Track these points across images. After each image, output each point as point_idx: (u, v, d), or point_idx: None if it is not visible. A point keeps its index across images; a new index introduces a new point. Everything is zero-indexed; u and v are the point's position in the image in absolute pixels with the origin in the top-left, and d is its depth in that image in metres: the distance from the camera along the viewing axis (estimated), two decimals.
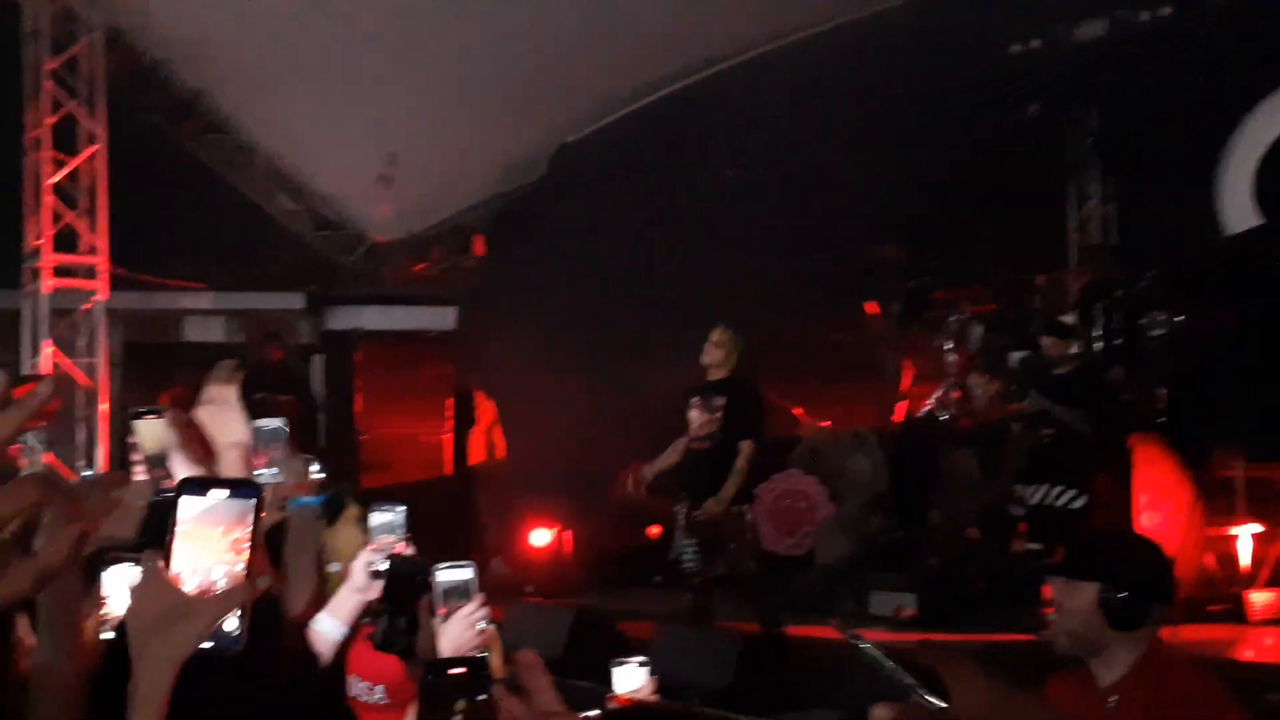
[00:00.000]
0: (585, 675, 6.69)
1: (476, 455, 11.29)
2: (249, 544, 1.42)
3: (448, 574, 3.28)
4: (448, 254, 12.90)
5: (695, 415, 7.96)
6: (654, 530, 10.92)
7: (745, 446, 7.63)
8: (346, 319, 12.29)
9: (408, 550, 3.35)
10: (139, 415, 3.21)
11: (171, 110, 11.77)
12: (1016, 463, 8.30)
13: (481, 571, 3.39)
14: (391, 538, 3.41)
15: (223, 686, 2.20)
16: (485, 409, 11.32)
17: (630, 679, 3.62)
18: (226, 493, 1.46)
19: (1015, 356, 8.99)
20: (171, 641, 1.36)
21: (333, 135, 11.88)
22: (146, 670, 1.37)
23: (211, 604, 1.38)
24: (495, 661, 3.85)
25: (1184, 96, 10.05)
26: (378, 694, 3.58)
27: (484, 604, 3.36)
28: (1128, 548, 3.66)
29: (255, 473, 3.68)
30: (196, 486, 1.46)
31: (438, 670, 2.60)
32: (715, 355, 7.95)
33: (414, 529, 3.60)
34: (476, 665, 2.63)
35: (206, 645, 1.37)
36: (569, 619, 7.93)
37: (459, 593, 3.26)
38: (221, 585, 1.40)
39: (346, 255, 12.78)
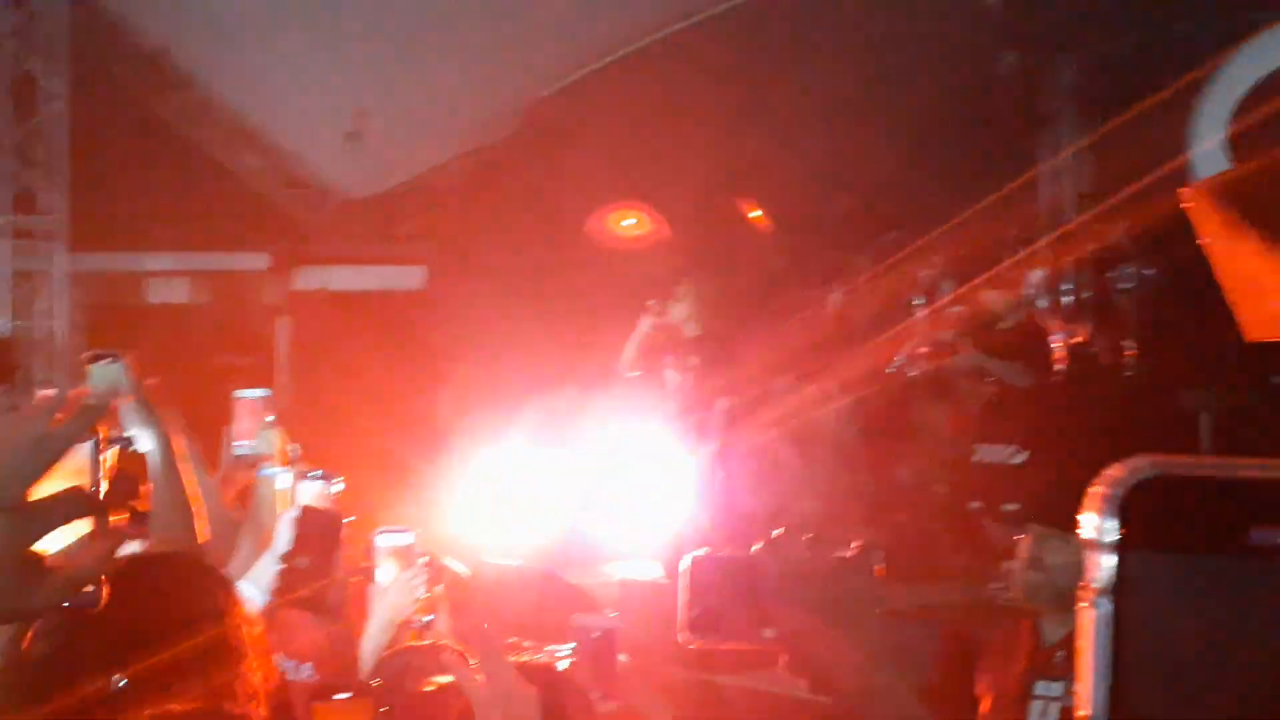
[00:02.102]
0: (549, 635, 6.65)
1: (447, 417, 11.17)
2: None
3: (388, 539, 3.20)
4: (417, 211, 12.72)
5: (671, 376, 7.92)
6: None
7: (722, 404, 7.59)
8: (312, 279, 12.11)
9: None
10: (96, 358, 3.12)
11: (133, 67, 11.54)
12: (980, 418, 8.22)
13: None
14: (320, 501, 3.33)
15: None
16: (456, 370, 11.20)
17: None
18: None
19: (952, 310, 8.92)
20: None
21: (300, 91, 11.67)
22: None
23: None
24: (442, 623, 3.76)
25: (1159, 45, 9.90)
26: (305, 671, 3.47)
27: (423, 570, 3.28)
28: None
29: (235, 443, 3.59)
30: None
31: (323, 696, 2.52)
32: (681, 311, 7.87)
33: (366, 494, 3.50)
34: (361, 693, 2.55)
35: (65, 604, 1.40)
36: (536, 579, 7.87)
37: (399, 558, 3.19)
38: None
39: (313, 214, 12.58)
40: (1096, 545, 0.74)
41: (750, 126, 10.75)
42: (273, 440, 3.65)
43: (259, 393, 3.65)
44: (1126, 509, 0.73)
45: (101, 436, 1.52)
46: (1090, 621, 0.73)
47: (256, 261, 12.07)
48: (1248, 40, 9.65)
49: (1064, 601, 3.26)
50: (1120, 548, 0.73)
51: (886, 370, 9.88)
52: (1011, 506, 8.08)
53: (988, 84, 10.41)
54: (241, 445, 3.65)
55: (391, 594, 3.25)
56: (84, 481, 1.47)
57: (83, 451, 1.48)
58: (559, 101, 12.75)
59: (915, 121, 10.17)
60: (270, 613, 3.07)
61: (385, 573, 3.26)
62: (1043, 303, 8.42)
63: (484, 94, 12.24)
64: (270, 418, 3.67)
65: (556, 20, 11.39)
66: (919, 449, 8.91)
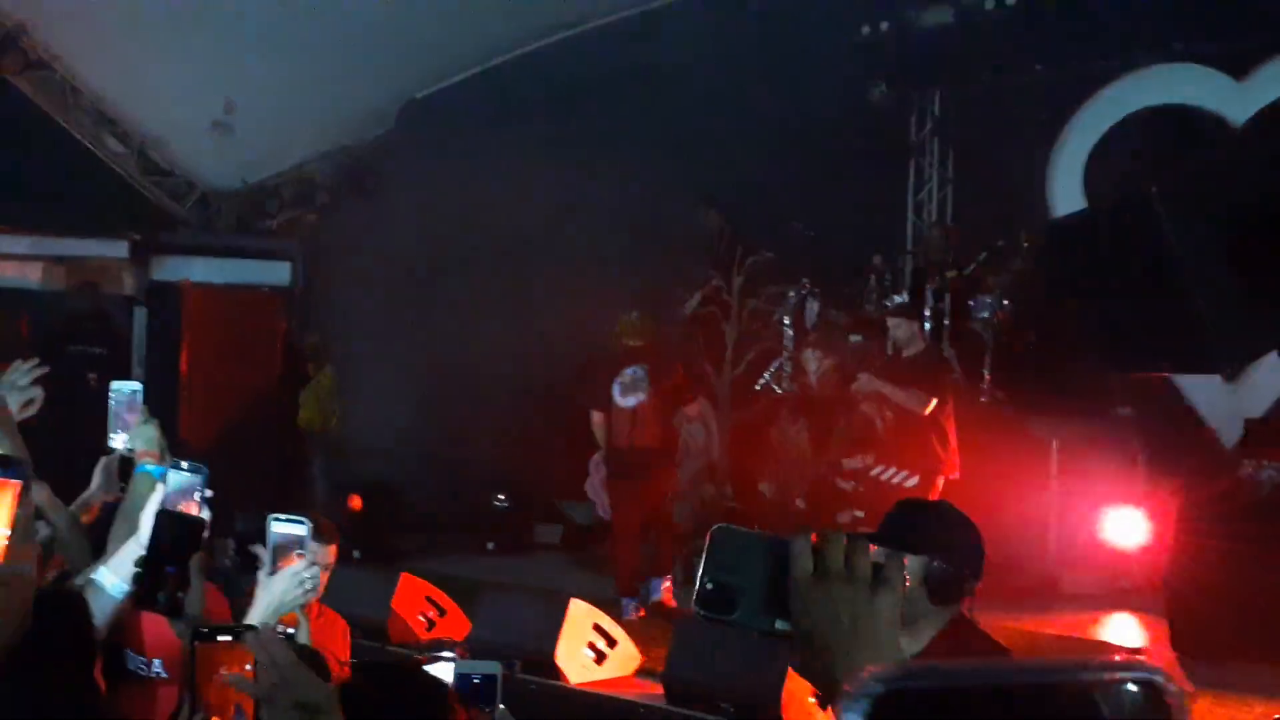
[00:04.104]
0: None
1: (308, 415, 11.01)
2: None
3: (280, 528, 3.11)
4: (286, 206, 12.49)
5: (619, 392, 8.00)
6: (495, 498, 10.84)
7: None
8: (174, 270, 11.78)
9: (199, 511, 3.19)
10: None
11: None
12: (846, 437, 8.42)
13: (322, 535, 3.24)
14: (184, 499, 3.24)
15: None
16: (325, 376, 11.02)
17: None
18: None
19: (854, 339, 9.12)
20: None
21: (166, 78, 11.37)
22: None
23: None
24: (303, 636, 3.71)
25: (1024, 84, 10.30)
26: (156, 667, 3.39)
27: (313, 563, 3.20)
28: (951, 522, 3.71)
29: (109, 438, 3.46)
30: None
31: (205, 637, 2.49)
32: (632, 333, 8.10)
33: (229, 488, 3.43)
34: (244, 632, 2.52)
35: None
36: (392, 584, 7.79)
37: (290, 547, 3.11)
38: None
39: (177, 204, 12.26)
40: None
41: (618, 137, 10.86)
42: (149, 435, 3.55)
43: (132, 385, 3.55)
44: (875, 717, 0.74)
45: None
46: None
47: (115, 249, 11.69)
48: (1107, 84, 10.11)
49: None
50: None
51: (755, 387, 10.10)
52: (844, 518, 8.31)
53: (858, 114, 10.69)
54: (117, 439, 3.55)
55: (278, 584, 3.12)
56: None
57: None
58: (431, 103, 12.70)
59: (786, 146, 10.39)
60: (127, 610, 3.01)
61: (276, 560, 3.17)
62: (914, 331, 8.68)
63: (357, 92, 12.11)
64: (144, 411, 3.58)
65: (431, 25, 11.35)
66: (781, 465, 9.10)
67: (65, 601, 2.71)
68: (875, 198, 10.85)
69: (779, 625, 1.31)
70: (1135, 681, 0.76)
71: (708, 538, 1.37)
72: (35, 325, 10.52)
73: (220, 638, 2.51)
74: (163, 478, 3.47)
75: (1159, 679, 0.76)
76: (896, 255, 10.62)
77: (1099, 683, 0.76)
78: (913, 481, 7.46)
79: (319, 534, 4.09)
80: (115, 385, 3.46)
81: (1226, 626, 6.07)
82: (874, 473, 7.79)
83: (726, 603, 1.35)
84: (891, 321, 8.17)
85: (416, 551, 9.99)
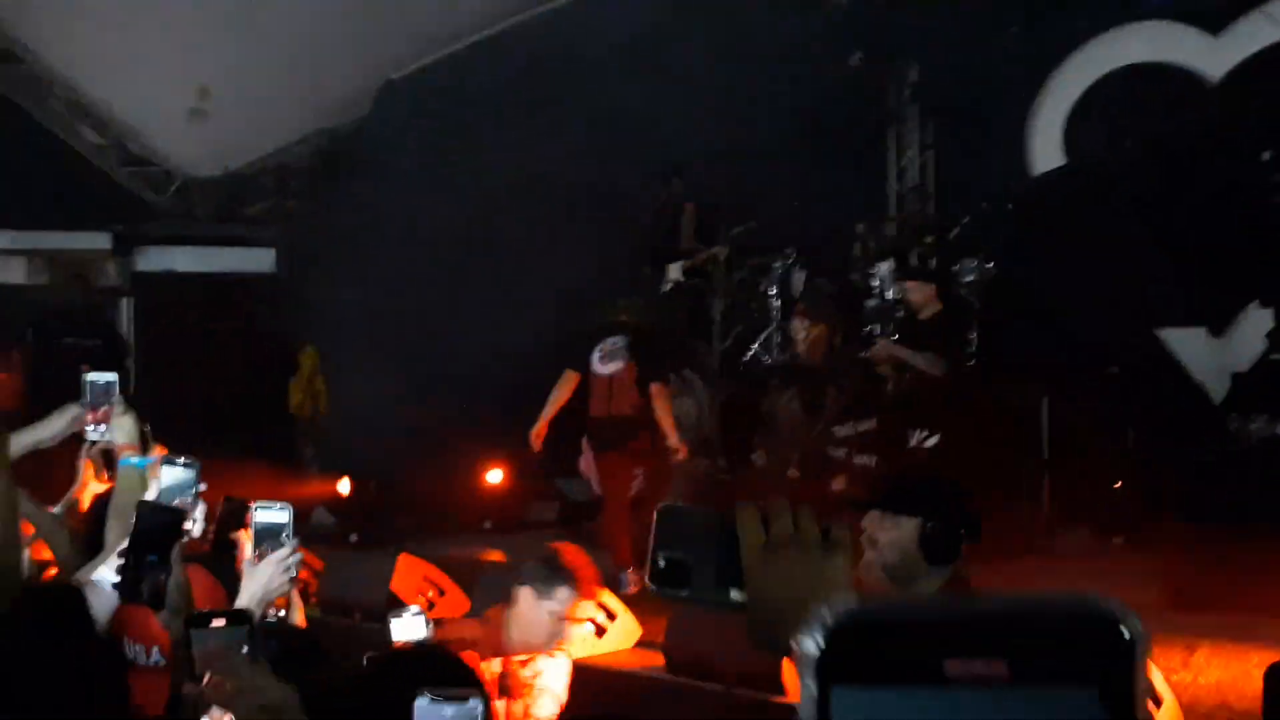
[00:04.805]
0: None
1: (296, 402, 11.00)
2: None
3: (264, 515, 3.14)
4: (266, 193, 12.44)
5: (599, 359, 8.02)
6: (493, 478, 10.88)
7: (655, 390, 7.75)
8: (157, 261, 11.74)
9: (195, 506, 3.20)
10: None
11: None
12: (837, 405, 8.47)
13: (305, 520, 3.28)
14: (180, 494, 3.25)
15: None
16: (309, 356, 11.01)
17: (408, 629, 3.58)
18: None
19: (871, 304, 9.15)
20: None
21: (141, 67, 11.30)
22: None
23: None
24: (297, 618, 3.74)
25: (1001, 47, 10.32)
26: (155, 656, 3.41)
27: (298, 549, 3.23)
28: (944, 485, 3.77)
29: (87, 429, 3.47)
30: None
31: (199, 622, 2.52)
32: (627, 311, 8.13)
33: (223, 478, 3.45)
34: (239, 619, 2.55)
35: None
36: (390, 566, 7.82)
37: (273, 534, 3.13)
38: None
39: (157, 194, 12.21)
40: (804, 683, 0.75)
41: (597, 113, 10.84)
42: (128, 427, 3.54)
43: (108, 376, 3.53)
44: (829, 646, 0.75)
45: None
46: None
47: (97, 241, 11.64)
48: (1081, 47, 10.13)
49: (889, 575, 3.44)
50: (822, 684, 0.75)
51: (744, 359, 10.14)
52: (838, 485, 8.37)
53: (837, 82, 10.70)
54: (94, 432, 3.54)
55: (264, 570, 3.16)
56: None
57: None
58: (408, 85, 12.65)
59: (767, 116, 10.40)
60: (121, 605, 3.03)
61: (260, 548, 3.20)
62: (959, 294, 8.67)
63: (334, 75, 12.05)
64: (122, 402, 3.57)
65: (405, 5, 11.30)
66: (774, 436, 9.14)
67: (62, 596, 2.74)
68: (857, 165, 10.87)
69: (734, 596, 1.33)
70: (1091, 616, 0.76)
71: (654, 517, 1.41)
72: (22, 319, 10.51)
73: (215, 623, 2.55)
74: (146, 469, 3.48)
75: (1115, 613, 0.76)
76: (880, 223, 10.65)
77: (1055, 616, 0.76)
78: (932, 441, 7.51)
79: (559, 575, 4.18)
80: (90, 377, 3.45)
81: (1222, 578, 6.14)
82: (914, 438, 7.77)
83: (680, 578, 1.38)
84: (908, 285, 8.22)
85: (414, 533, 10.02)
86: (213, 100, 11.68)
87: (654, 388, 7.82)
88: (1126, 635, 0.76)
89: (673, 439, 7.80)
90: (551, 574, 4.16)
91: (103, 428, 3.45)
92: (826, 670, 0.76)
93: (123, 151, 12.01)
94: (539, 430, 8.20)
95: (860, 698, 0.75)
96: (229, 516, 3.80)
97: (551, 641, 4.12)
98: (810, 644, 0.76)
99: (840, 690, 0.76)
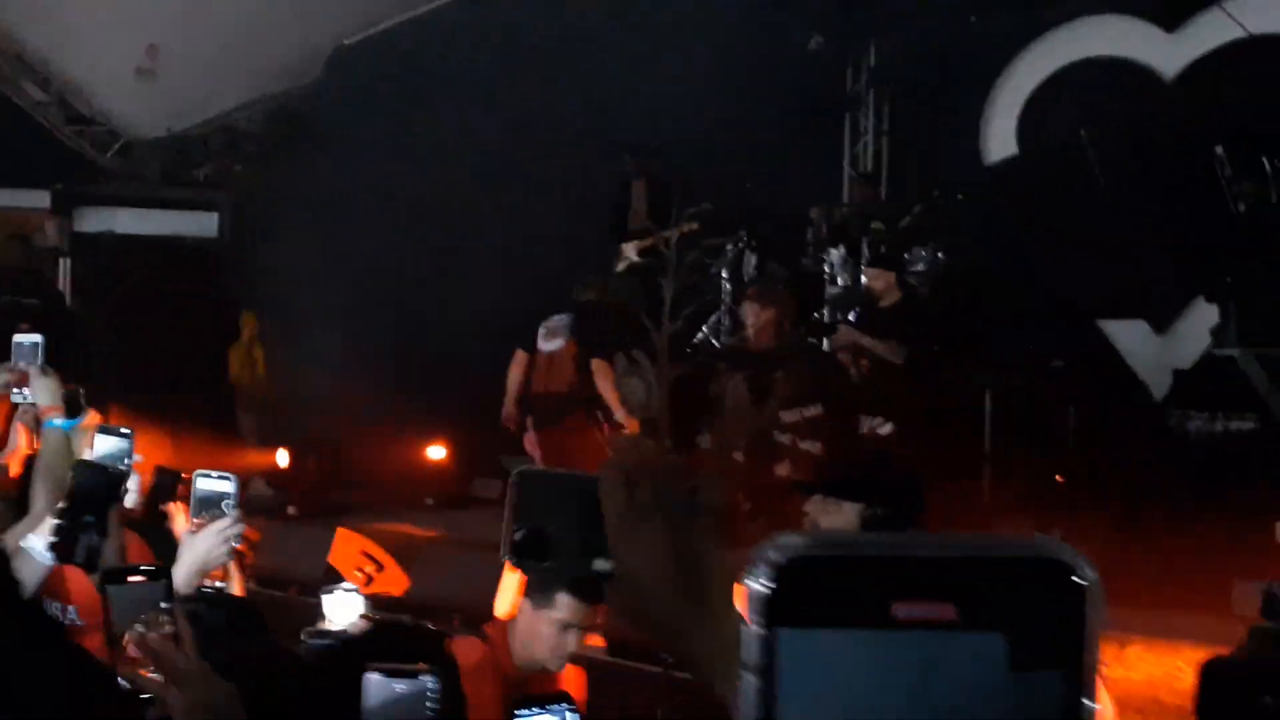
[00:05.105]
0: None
1: (235, 371, 10.84)
2: None
3: (206, 484, 3.08)
4: (213, 156, 12.23)
5: (543, 335, 8.00)
6: (434, 454, 10.80)
7: (596, 365, 7.74)
8: (98, 221, 11.51)
9: (129, 479, 3.14)
10: None
11: None
12: (785, 390, 8.46)
13: (242, 491, 3.21)
14: (114, 462, 3.20)
15: None
16: (247, 323, 10.84)
17: (341, 605, 3.51)
18: None
19: (833, 291, 9.13)
20: None
21: (87, 23, 11.06)
22: None
23: None
24: (236, 588, 3.68)
25: (959, 36, 10.32)
26: (70, 614, 3.35)
27: (239, 520, 3.16)
28: (887, 470, 3.75)
29: (13, 392, 3.40)
30: None
31: (115, 579, 2.46)
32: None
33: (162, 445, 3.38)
34: (156, 574, 2.49)
35: None
36: (329, 541, 7.75)
37: (215, 504, 3.07)
38: None
39: (100, 153, 11.96)
40: (749, 623, 0.74)
41: (551, 89, 10.75)
42: (50, 389, 3.48)
43: (34, 338, 3.47)
44: (776, 587, 0.73)
45: None
46: (744, 700, 0.74)
47: (37, 200, 11.39)
48: (1040, 36, 10.15)
49: None
50: (769, 624, 0.73)
51: (694, 342, 10.10)
52: (782, 470, 8.38)
53: (794, 65, 10.65)
54: (19, 394, 3.48)
55: (203, 541, 3.09)
56: None
57: None
58: (360, 50, 12.49)
59: (723, 97, 10.34)
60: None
61: (201, 516, 3.14)
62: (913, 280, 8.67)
63: (286, 38, 11.86)
64: (45, 365, 3.50)
65: None
66: (721, 419, 9.12)
67: None
68: (812, 149, 10.85)
69: (597, 565, 1.27)
70: (1042, 560, 0.75)
71: (510, 484, 1.34)
72: None
73: (131, 579, 2.50)
74: (71, 430, 3.42)
75: (1067, 557, 0.74)
76: (833, 208, 10.62)
77: (1005, 560, 0.75)
78: (887, 429, 7.52)
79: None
80: (17, 338, 3.38)
81: (1157, 574, 6.20)
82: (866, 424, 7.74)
83: (539, 549, 1.32)
84: (869, 272, 8.22)
85: (355, 507, 9.93)
86: (160, 59, 11.45)
87: (594, 363, 7.80)
88: (1079, 581, 0.74)
89: (619, 413, 7.78)
90: (546, 583, 3.72)
91: (26, 390, 3.40)
92: (773, 611, 0.74)
93: (67, 109, 11.75)
94: (509, 412, 8.20)
95: (807, 639, 0.74)
96: (159, 488, 3.74)
97: (557, 653, 3.81)
98: (757, 584, 0.75)
99: (786, 632, 0.74)
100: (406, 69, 11.65)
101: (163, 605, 2.37)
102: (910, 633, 0.73)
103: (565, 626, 3.71)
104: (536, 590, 3.75)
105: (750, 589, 0.75)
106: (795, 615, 0.74)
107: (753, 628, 0.75)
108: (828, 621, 0.74)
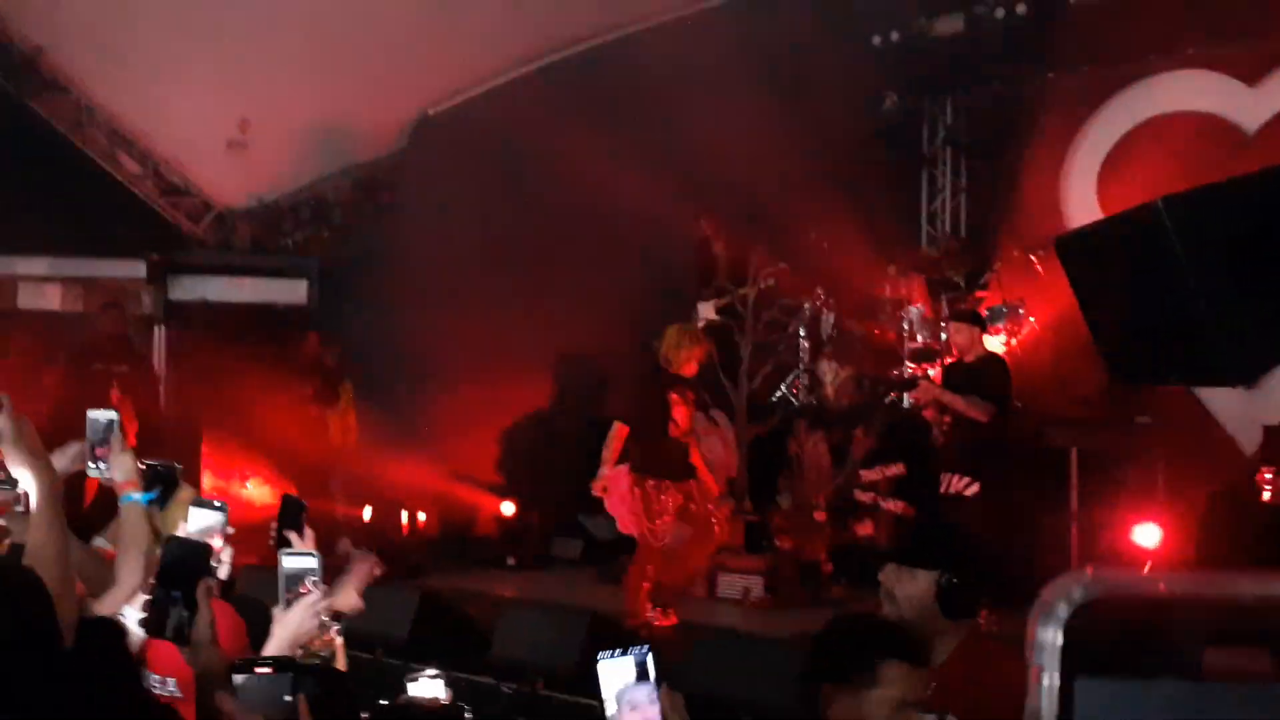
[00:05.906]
0: (428, 658, 6.62)
1: (333, 436, 10.99)
2: None
3: (291, 561, 3.17)
4: (302, 224, 12.53)
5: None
6: (507, 512, 10.87)
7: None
8: (191, 289, 11.82)
9: (223, 547, 3.22)
10: None
11: (10, 67, 11.19)
12: (865, 447, 8.42)
13: (329, 553, 3.29)
14: (208, 536, 3.28)
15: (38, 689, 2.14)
16: (343, 389, 11.02)
17: (426, 690, 3.58)
18: None
19: (911, 348, 9.04)
20: None
21: (181, 97, 11.43)
22: None
23: None
24: (340, 661, 3.76)
25: (1036, 93, 10.30)
26: (170, 686, 3.44)
27: (327, 594, 3.26)
28: (962, 538, 3.74)
29: (88, 465, 3.51)
30: None
31: (243, 669, 2.52)
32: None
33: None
34: (283, 665, 2.55)
35: None
36: (414, 601, 7.80)
37: (300, 579, 3.16)
38: None
39: (193, 223, 12.32)
40: (1039, 669, 0.64)
41: (634, 152, 10.88)
42: (126, 465, 3.57)
43: (108, 414, 3.56)
44: (1070, 631, 0.64)
45: None
46: None
47: (132, 269, 11.73)
48: (1119, 91, 10.10)
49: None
50: (1065, 673, 0.64)
51: (771, 400, 10.11)
52: (862, 529, 8.26)
53: (871, 124, 10.71)
54: (95, 468, 3.56)
55: (294, 615, 3.20)
56: None
57: None
58: (444, 120, 12.74)
59: (800, 156, 10.40)
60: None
61: (290, 593, 3.23)
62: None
63: (371, 109, 12.16)
64: (121, 440, 3.58)
65: (443, 41, 11.40)
66: (801, 477, 9.11)
67: (107, 627, 2.79)
68: (889, 208, 10.86)
69: None
70: None
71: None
72: (55, 346, 10.61)
73: (259, 670, 2.57)
74: (151, 503, 3.50)
75: None
76: (910, 266, 10.61)
77: None
78: (973, 489, 7.35)
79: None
80: (92, 415, 3.48)
81: None
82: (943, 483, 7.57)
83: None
84: (952, 327, 8.13)
85: (436, 567, 10.02)
86: (251, 132, 11.78)
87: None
88: None
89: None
90: None
91: (103, 464, 3.48)
92: (1070, 658, 0.68)
93: (161, 181, 12.13)
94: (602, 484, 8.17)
95: (1105, 690, 0.67)
96: (285, 515, 3.82)
97: None
98: (1050, 632, 0.69)
99: (1084, 682, 0.68)
100: (488, 137, 11.86)
101: (286, 699, 2.47)
102: (1220, 683, 0.63)
103: None
104: None
105: (1041, 637, 0.67)
106: (1094, 663, 0.65)
107: (1045, 677, 0.66)
108: (1129, 670, 0.65)
